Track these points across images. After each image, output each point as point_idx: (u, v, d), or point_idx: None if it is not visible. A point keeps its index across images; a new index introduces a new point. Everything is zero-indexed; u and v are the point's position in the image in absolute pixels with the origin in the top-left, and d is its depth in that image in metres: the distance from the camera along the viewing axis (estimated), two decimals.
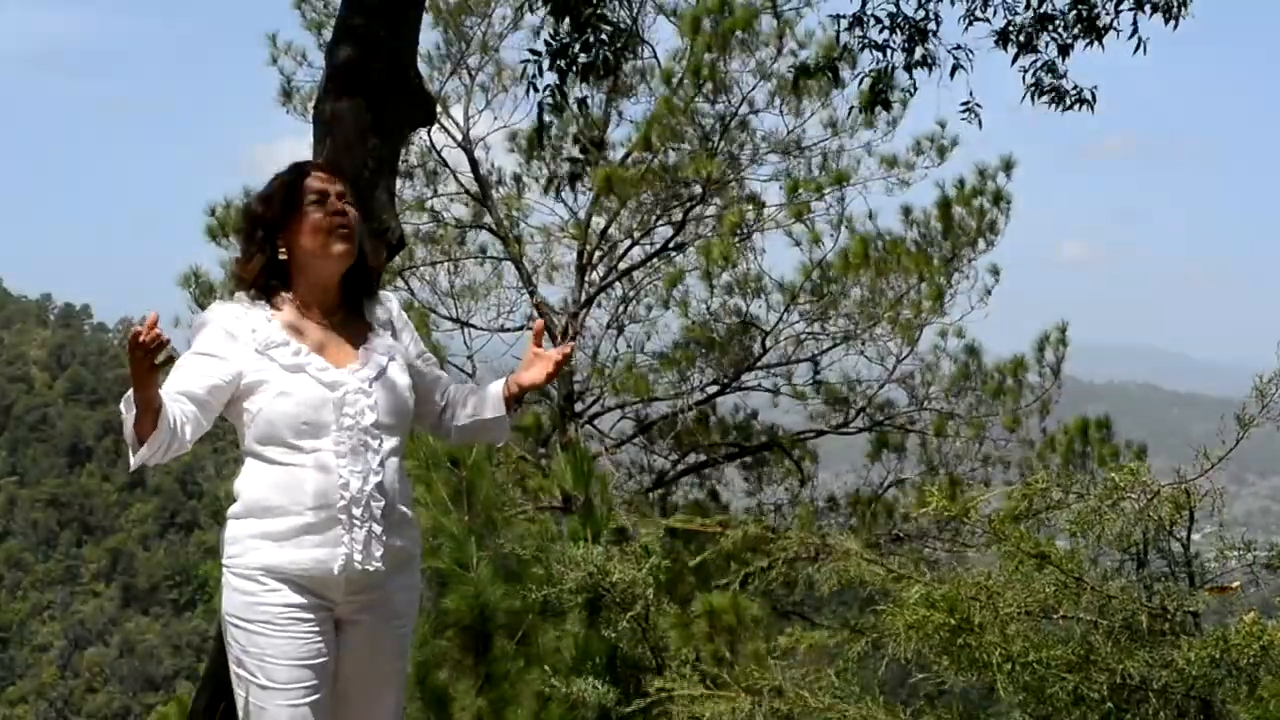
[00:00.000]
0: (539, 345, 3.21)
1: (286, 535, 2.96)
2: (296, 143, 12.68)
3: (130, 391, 2.80)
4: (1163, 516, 3.13)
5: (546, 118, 5.81)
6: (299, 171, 3.15)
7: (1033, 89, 6.98)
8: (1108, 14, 6.73)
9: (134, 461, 2.89)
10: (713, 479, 14.05)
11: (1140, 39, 6.67)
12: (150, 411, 2.80)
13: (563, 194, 13.21)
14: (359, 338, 3.13)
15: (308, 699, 2.98)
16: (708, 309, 13.11)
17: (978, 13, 6.93)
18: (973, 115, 7.18)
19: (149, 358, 2.70)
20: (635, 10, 11.65)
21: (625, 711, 3.76)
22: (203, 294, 12.81)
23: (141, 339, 2.68)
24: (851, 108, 9.79)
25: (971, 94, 7.08)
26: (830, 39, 11.95)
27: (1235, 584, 3.11)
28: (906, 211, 13.06)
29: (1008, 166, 13.04)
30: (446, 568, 5.36)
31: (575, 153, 12.71)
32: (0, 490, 71.38)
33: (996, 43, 6.97)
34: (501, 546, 4.95)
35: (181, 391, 2.93)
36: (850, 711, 3.06)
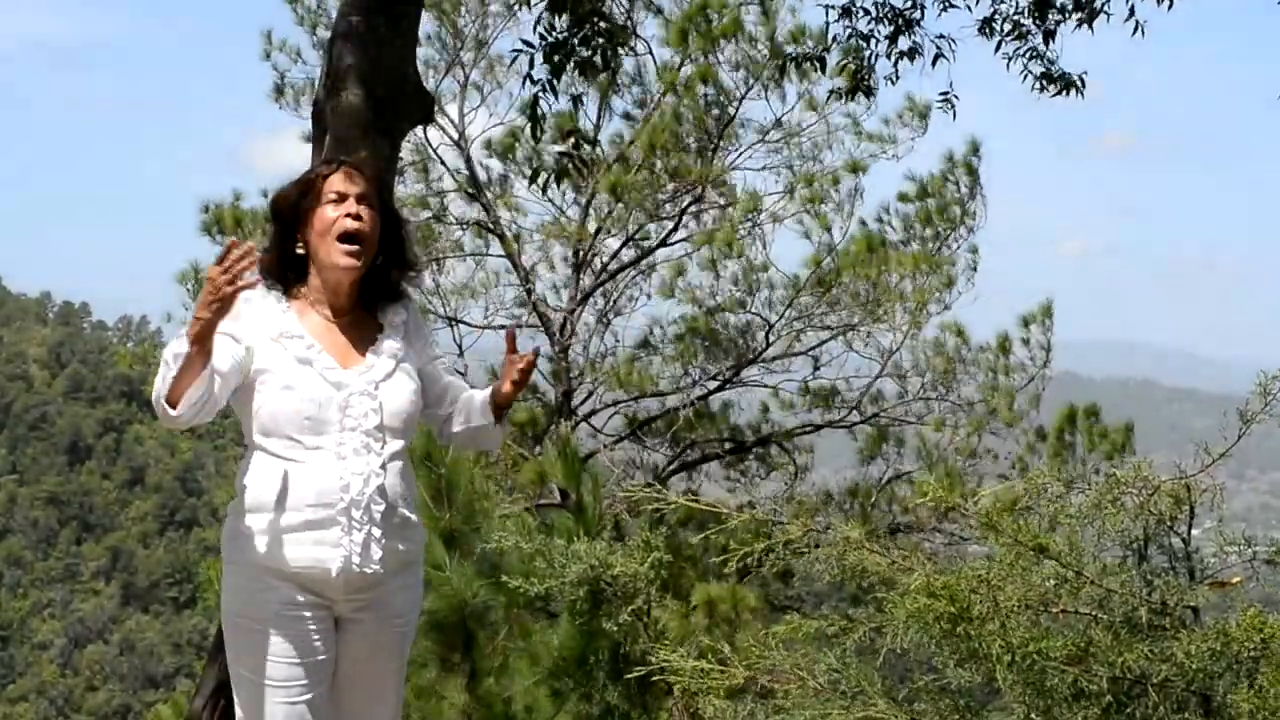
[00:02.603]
0: (513, 351, 3.17)
1: (285, 532, 2.95)
2: (297, 139, 12.68)
3: (176, 342, 2.81)
4: (1163, 511, 3.13)
5: (540, 109, 5.77)
6: (329, 168, 3.11)
7: (1025, 75, 7.02)
8: None
9: (172, 418, 2.85)
10: (709, 475, 14.07)
11: (1138, 22, 6.68)
12: (200, 363, 2.81)
13: (549, 190, 13.17)
14: (368, 339, 3.11)
15: (305, 696, 2.98)
16: (710, 298, 13.13)
17: (955, 0, 6.97)
18: (949, 106, 7.25)
19: (231, 285, 2.76)
20: (630, 6, 11.66)
21: (626, 679, 3.78)
22: (200, 289, 12.79)
23: (230, 259, 2.74)
24: (831, 92, 9.82)
25: (951, 84, 7.15)
26: (810, 24, 12.06)
27: (1236, 578, 3.11)
28: (897, 207, 13.11)
29: (975, 149, 13.09)
30: (426, 571, 5.37)
31: (566, 148, 12.55)
32: (0, 488, 71.34)
33: (980, 30, 6.99)
34: (484, 542, 4.98)
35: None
36: (846, 687, 3.06)
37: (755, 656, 3.19)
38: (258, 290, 3.07)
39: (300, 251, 3.08)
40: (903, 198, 13.15)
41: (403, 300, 3.24)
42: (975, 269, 13.10)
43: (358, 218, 3.04)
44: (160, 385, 2.82)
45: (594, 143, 12.91)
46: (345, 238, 3.03)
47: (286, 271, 3.10)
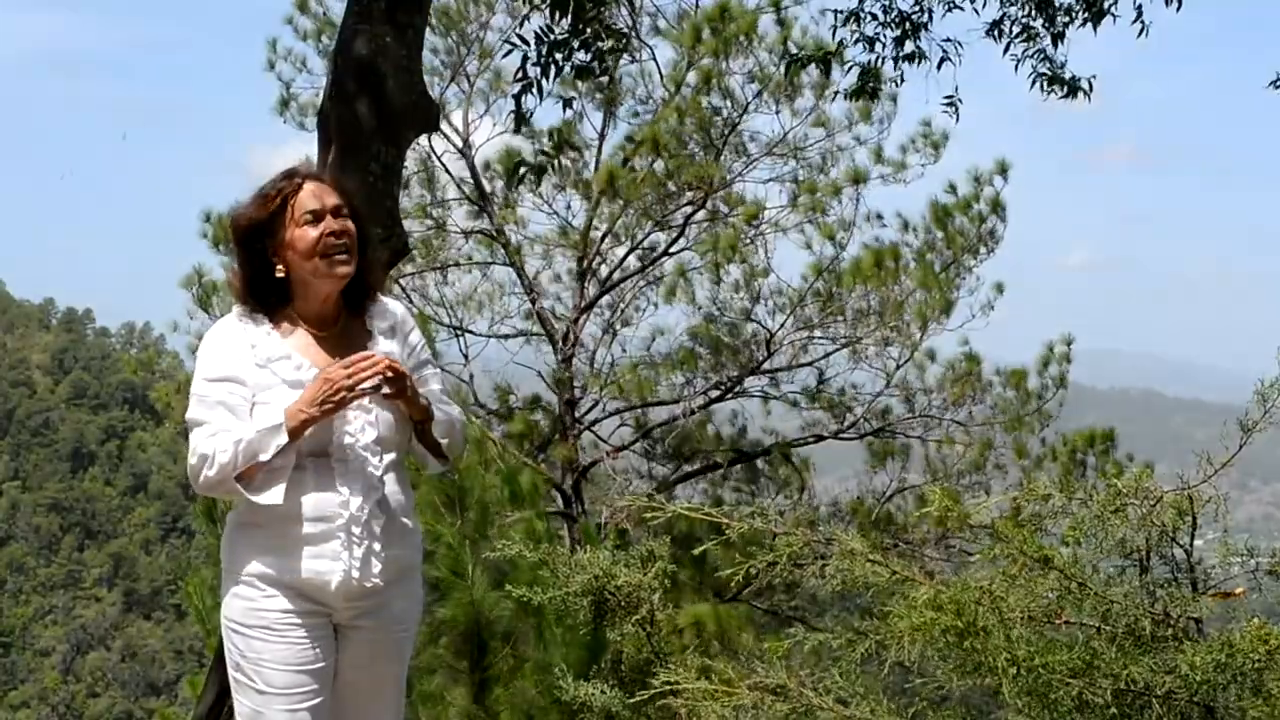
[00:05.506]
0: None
1: (284, 546, 2.95)
2: (300, 145, 12.70)
3: (261, 435, 2.86)
4: (1166, 522, 3.13)
5: (525, 105, 5.76)
6: (290, 185, 3.05)
7: (1032, 77, 7.03)
8: None
9: (266, 498, 2.92)
10: (712, 485, 14.03)
11: (1143, 23, 6.69)
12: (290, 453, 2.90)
13: (525, 184, 13.06)
14: (358, 348, 3.06)
15: (306, 704, 2.99)
16: (712, 305, 13.11)
17: (960, 1, 6.98)
18: (953, 109, 7.27)
19: (351, 391, 2.88)
20: (634, 15, 11.65)
21: (629, 702, 3.78)
22: (205, 295, 12.83)
23: (357, 368, 2.86)
24: (835, 93, 9.86)
25: (956, 88, 7.17)
26: (823, 34, 12.05)
27: (1239, 590, 3.10)
28: (906, 224, 13.06)
29: (1003, 170, 13.02)
30: (444, 576, 5.37)
31: (547, 147, 12.39)
32: (2, 495, 71.36)
33: (988, 33, 7.01)
34: (494, 550, 4.98)
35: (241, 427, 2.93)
36: (853, 711, 3.06)
37: (761, 674, 3.18)
38: (235, 318, 3.06)
39: (280, 274, 3.04)
40: (905, 225, 13.10)
41: (390, 301, 3.23)
42: (993, 306, 13.03)
43: (341, 233, 3.02)
44: (232, 463, 2.88)
45: (579, 148, 12.91)
46: (332, 253, 3.01)
47: (266, 295, 3.06)
